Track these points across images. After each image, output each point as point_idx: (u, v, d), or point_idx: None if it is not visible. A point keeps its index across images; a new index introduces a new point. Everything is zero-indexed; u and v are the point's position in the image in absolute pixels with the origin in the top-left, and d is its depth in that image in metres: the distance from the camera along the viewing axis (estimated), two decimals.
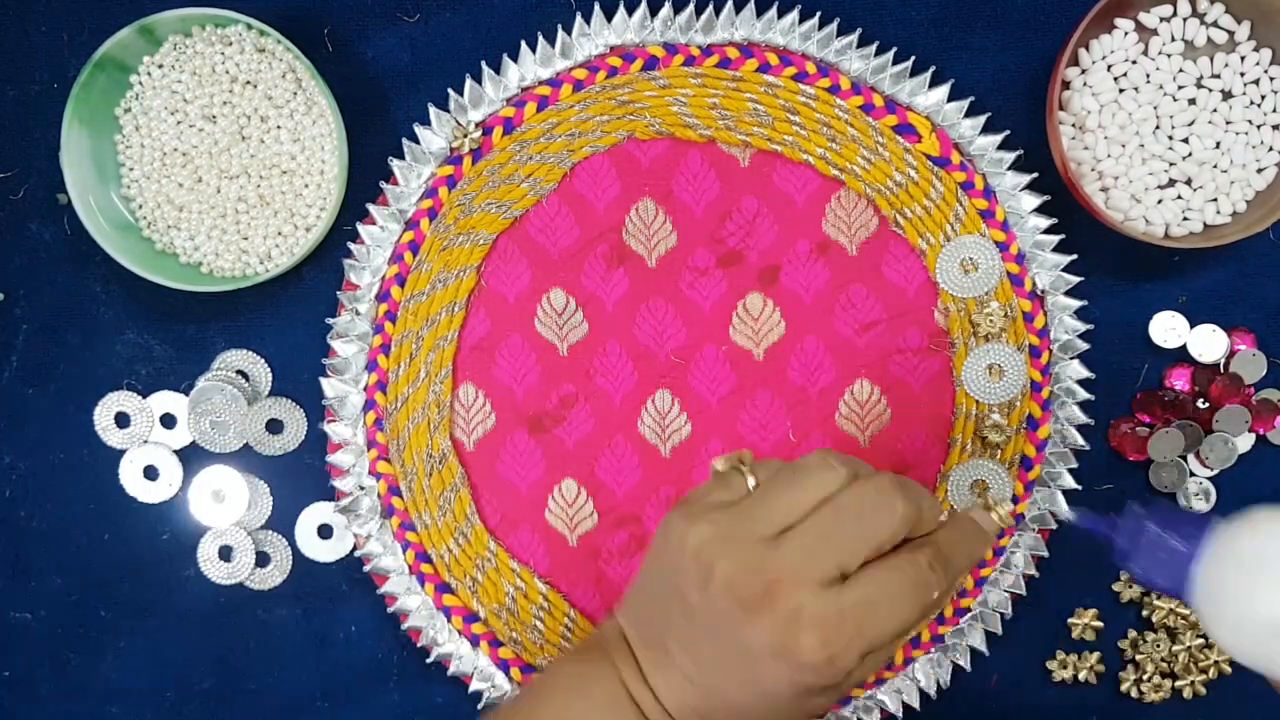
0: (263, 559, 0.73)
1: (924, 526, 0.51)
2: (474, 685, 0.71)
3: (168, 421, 0.73)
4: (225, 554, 0.73)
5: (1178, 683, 0.72)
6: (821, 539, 0.50)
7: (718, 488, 0.53)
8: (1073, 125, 0.69)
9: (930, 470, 0.71)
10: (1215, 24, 0.68)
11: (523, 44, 0.70)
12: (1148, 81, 0.68)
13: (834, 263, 0.70)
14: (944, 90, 0.69)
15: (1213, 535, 0.49)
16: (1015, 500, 0.70)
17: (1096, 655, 0.72)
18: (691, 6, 0.70)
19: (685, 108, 0.70)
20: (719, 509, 0.51)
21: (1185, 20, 0.68)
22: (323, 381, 0.71)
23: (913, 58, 0.70)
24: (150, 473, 0.73)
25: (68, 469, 0.73)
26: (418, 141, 0.70)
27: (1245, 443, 0.71)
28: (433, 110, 0.70)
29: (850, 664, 0.49)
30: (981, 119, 0.69)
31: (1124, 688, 0.72)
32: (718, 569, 0.50)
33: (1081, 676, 0.72)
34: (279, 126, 0.70)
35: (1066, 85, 0.69)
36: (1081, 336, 0.70)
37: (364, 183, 0.71)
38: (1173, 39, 0.68)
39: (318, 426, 0.73)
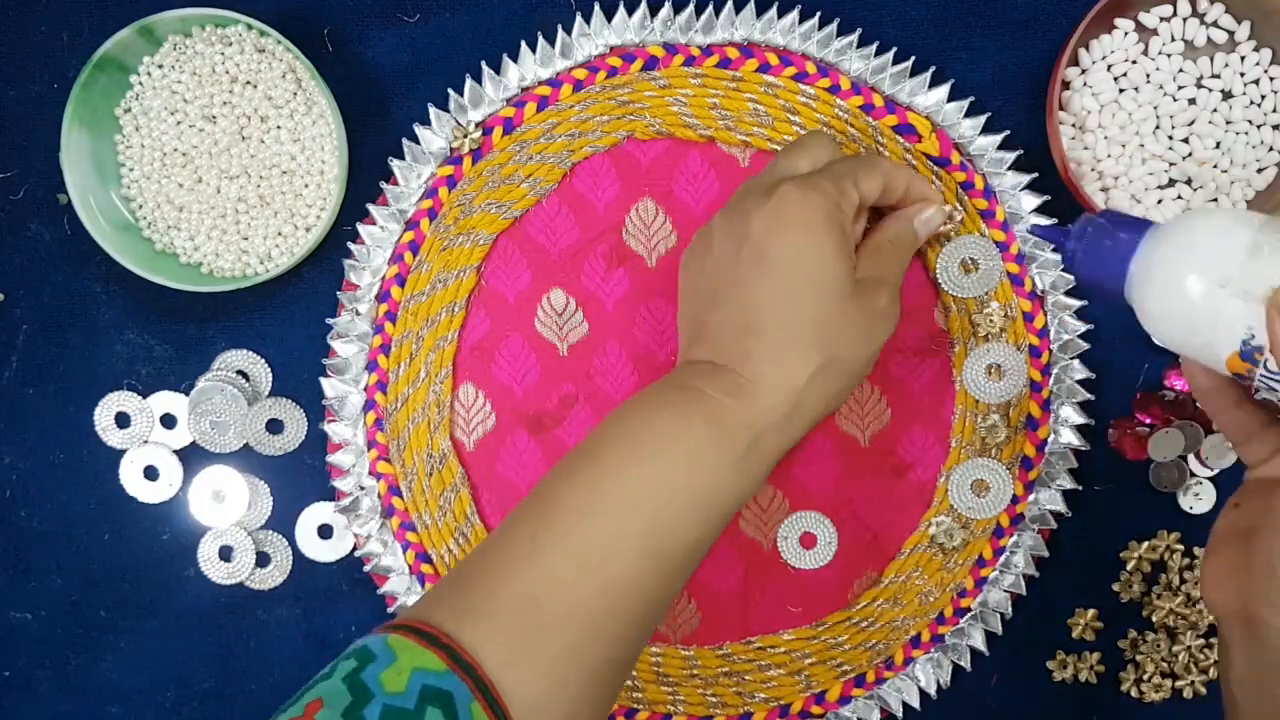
0: (263, 559, 0.73)
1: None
2: None
3: (168, 421, 0.73)
4: (225, 554, 0.73)
5: (1178, 682, 0.72)
6: (794, 154, 0.61)
7: None
8: (1073, 125, 0.68)
9: (930, 470, 0.71)
10: (1215, 24, 0.68)
11: (523, 44, 0.70)
12: (1148, 81, 0.68)
13: None
14: (944, 90, 0.69)
15: (1151, 230, 0.52)
16: (1016, 500, 0.70)
17: (1096, 655, 0.72)
18: (691, 7, 0.70)
19: (685, 108, 0.70)
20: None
21: (1185, 20, 0.68)
22: (323, 381, 0.71)
23: (913, 58, 0.70)
24: (150, 473, 0.73)
25: (68, 469, 0.74)
26: (418, 142, 0.70)
27: None
28: (433, 110, 0.70)
29: (829, 188, 0.58)
30: (981, 119, 0.69)
31: (1124, 688, 0.72)
32: (741, 210, 0.59)
33: (1082, 677, 0.72)
34: (279, 127, 0.70)
35: (1066, 85, 0.69)
36: (1082, 336, 0.70)
37: (364, 183, 0.71)
38: (1173, 39, 0.68)
39: (318, 426, 0.73)
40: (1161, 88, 0.68)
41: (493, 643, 0.52)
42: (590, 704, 0.54)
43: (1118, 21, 0.68)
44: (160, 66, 0.70)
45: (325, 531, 0.73)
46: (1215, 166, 0.68)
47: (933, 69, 0.70)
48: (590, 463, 0.56)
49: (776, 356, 0.56)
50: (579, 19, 0.70)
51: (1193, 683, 0.72)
